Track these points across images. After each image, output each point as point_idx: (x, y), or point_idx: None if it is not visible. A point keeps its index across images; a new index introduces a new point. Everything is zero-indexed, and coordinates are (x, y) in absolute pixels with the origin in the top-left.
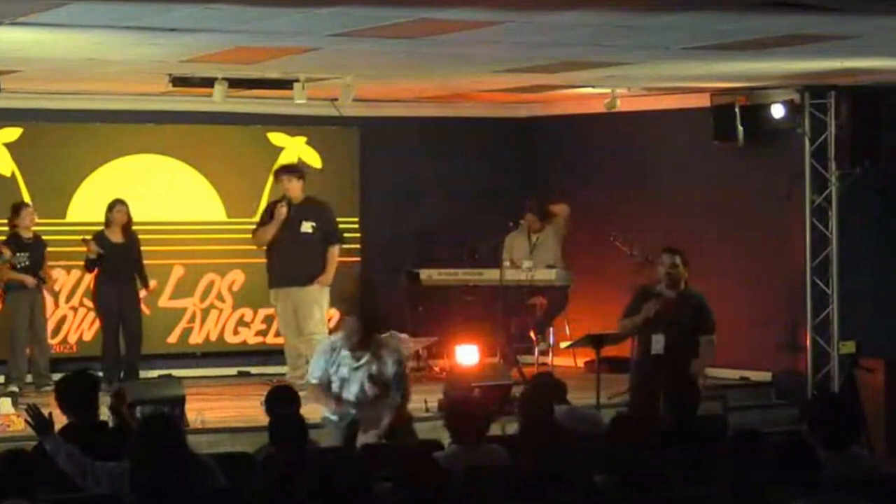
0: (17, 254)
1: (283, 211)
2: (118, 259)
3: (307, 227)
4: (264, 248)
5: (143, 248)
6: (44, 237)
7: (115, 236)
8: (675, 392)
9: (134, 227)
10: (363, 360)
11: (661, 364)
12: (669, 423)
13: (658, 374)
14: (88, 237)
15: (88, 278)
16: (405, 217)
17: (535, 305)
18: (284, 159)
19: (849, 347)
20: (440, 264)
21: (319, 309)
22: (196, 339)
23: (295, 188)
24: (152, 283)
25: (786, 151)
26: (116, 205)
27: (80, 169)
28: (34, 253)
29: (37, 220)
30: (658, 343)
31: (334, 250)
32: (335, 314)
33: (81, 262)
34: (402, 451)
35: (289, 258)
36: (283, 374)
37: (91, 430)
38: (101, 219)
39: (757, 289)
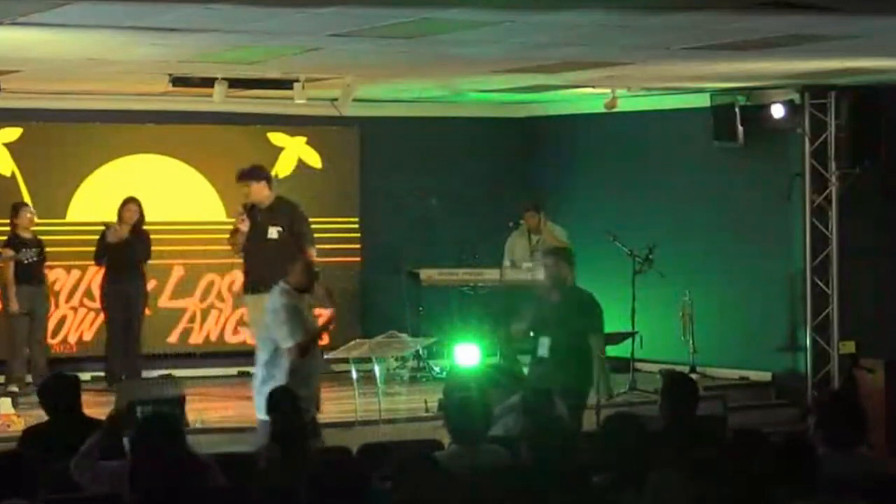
0: (24, 249)
1: (240, 227)
2: (124, 256)
3: (273, 232)
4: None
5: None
6: (42, 238)
7: (124, 232)
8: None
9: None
10: None
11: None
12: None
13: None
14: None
15: (88, 278)
16: (405, 217)
17: None
18: (284, 159)
19: (849, 347)
20: (440, 264)
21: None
22: (196, 339)
23: (254, 192)
24: (151, 283)
25: (786, 151)
26: (127, 203)
27: (80, 169)
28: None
29: (36, 221)
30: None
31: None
32: None
33: (81, 263)
34: (402, 451)
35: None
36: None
37: (74, 427)
38: (102, 218)
39: (757, 289)
